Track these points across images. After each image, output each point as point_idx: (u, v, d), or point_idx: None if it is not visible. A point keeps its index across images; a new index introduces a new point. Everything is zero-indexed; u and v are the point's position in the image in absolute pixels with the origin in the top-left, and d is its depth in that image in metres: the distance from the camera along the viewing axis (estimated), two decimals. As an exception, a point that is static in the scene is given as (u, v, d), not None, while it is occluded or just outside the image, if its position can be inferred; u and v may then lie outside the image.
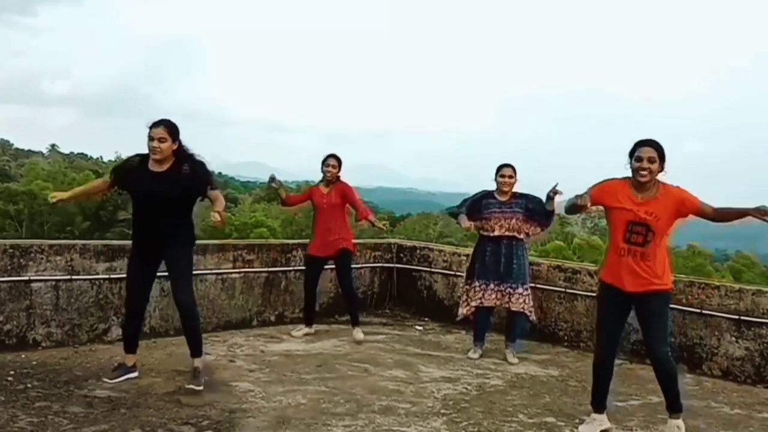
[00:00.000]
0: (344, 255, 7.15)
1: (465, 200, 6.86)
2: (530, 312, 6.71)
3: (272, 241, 9.15)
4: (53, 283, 6.07)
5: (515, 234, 6.58)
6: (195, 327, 5.38)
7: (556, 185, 5.60)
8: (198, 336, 5.41)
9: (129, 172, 5.24)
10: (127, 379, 5.26)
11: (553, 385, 6.04)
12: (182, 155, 5.15)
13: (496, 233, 6.58)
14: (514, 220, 6.57)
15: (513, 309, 6.65)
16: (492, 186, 6.71)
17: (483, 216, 6.62)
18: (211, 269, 7.14)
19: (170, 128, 5.09)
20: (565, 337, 7.54)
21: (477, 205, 6.68)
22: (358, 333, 7.15)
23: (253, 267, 7.51)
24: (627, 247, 4.58)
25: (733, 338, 6.55)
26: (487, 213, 6.61)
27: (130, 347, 5.41)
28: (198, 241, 7.24)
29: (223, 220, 4.82)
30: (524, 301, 6.64)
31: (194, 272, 6.87)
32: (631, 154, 4.60)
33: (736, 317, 6.51)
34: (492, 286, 6.63)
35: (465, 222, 6.51)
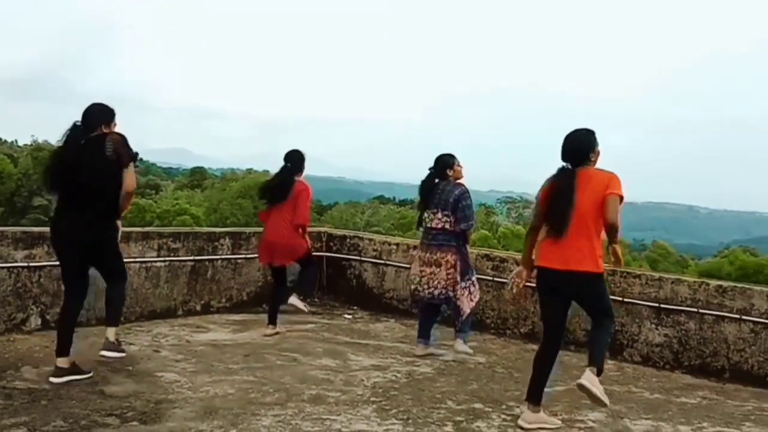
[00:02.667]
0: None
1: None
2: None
3: (199, 229, 8.98)
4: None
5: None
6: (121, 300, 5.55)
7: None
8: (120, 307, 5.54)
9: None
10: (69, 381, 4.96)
11: (480, 371, 6.12)
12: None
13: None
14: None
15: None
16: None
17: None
18: (135, 257, 6.95)
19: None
20: (492, 325, 7.65)
21: None
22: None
23: (178, 255, 7.35)
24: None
25: (653, 325, 6.77)
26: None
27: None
28: (121, 229, 7.08)
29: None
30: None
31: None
32: None
33: (656, 305, 6.73)
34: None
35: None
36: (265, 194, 6.97)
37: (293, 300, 6.86)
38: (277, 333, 6.84)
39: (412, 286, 6.50)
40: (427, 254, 6.36)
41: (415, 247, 7.89)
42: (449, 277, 6.27)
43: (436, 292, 6.30)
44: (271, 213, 6.82)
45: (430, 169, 6.53)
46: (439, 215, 6.30)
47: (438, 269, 6.30)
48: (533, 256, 4.82)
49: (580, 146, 4.67)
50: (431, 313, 6.53)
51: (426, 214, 6.41)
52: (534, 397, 4.74)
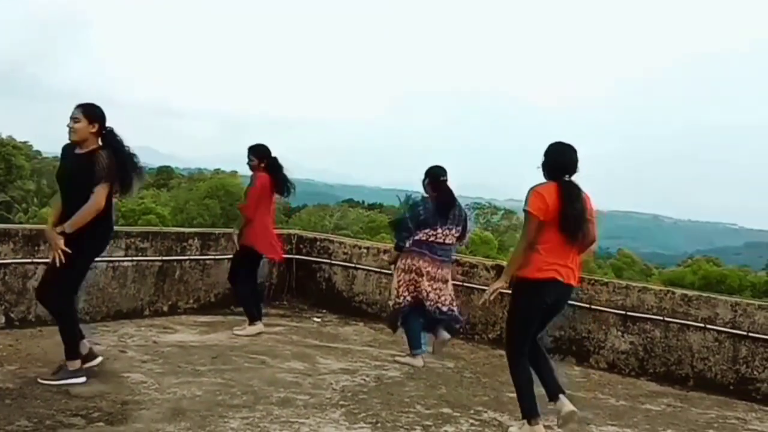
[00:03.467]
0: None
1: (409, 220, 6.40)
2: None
3: (168, 229, 8.89)
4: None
5: None
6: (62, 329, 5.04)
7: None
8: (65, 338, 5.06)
9: (62, 154, 5.14)
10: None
11: (449, 376, 6.14)
12: (109, 141, 4.99)
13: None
14: None
15: None
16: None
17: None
18: (102, 257, 6.83)
19: (86, 109, 4.97)
20: (461, 330, 7.65)
21: None
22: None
23: (146, 255, 7.26)
24: None
25: (619, 332, 6.85)
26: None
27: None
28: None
29: (55, 248, 4.75)
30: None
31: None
32: None
33: (623, 312, 6.81)
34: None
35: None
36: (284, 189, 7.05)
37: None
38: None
39: (423, 299, 6.25)
40: (438, 270, 6.27)
41: (386, 251, 7.90)
42: (452, 292, 6.40)
43: (444, 309, 6.30)
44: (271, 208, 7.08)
45: (443, 178, 6.35)
46: (453, 231, 6.29)
47: (444, 285, 6.32)
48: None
49: (576, 159, 4.64)
50: (420, 320, 6.40)
51: (441, 230, 6.24)
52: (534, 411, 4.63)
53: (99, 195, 4.80)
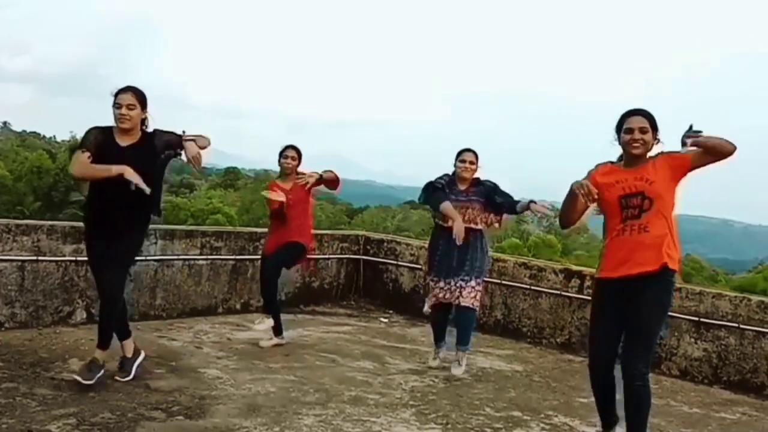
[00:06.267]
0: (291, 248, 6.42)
1: (429, 186, 6.06)
2: (475, 307, 6.05)
3: (241, 228, 9.10)
4: (19, 263, 5.95)
5: (471, 225, 5.90)
6: (110, 321, 4.83)
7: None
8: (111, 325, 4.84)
9: (98, 148, 4.63)
10: (99, 378, 4.70)
11: (517, 380, 6.13)
12: (148, 127, 4.79)
13: (451, 224, 5.82)
14: (470, 210, 5.93)
15: (462, 304, 5.96)
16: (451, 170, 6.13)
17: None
18: (179, 255, 7.07)
19: (138, 95, 4.68)
20: (529, 334, 7.65)
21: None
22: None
23: (220, 254, 7.46)
24: (622, 226, 3.99)
25: (692, 339, 6.73)
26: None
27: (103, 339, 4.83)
28: (166, 227, 7.22)
29: (197, 160, 4.74)
30: (474, 295, 5.97)
31: (161, 258, 6.86)
32: (619, 127, 4.07)
33: (696, 319, 6.68)
34: (442, 284, 6.01)
35: (450, 209, 5.79)
36: None
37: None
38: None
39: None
40: None
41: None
42: None
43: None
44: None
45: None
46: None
47: None
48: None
49: None
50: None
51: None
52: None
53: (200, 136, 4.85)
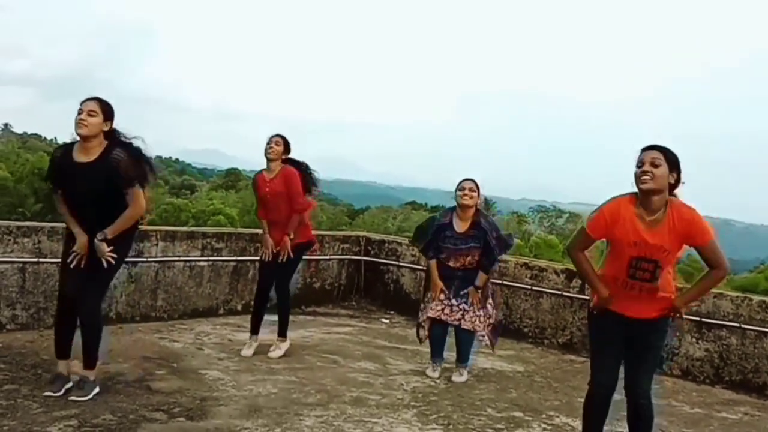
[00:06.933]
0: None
1: (421, 231, 6.09)
2: (481, 337, 5.97)
3: (241, 229, 9.11)
4: (20, 265, 5.96)
5: (473, 266, 5.89)
6: (92, 339, 4.60)
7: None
8: (93, 347, 4.61)
9: (57, 171, 4.57)
10: (66, 390, 4.54)
11: (519, 380, 6.12)
12: (115, 142, 4.55)
13: (451, 265, 5.89)
14: (469, 258, 5.86)
15: (463, 327, 5.89)
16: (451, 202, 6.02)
17: (440, 247, 5.92)
18: (179, 256, 7.07)
19: (103, 104, 4.51)
20: (530, 334, 7.64)
21: (435, 238, 5.94)
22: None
23: (221, 255, 7.46)
24: (631, 282, 3.86)
25: (694, 339, 6.72)
26: (443, 245, 5.89)
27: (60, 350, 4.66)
28: (167, 228, 7.22)
29: (101, 254, 4.42)
30: (478, 321, 5.90)
31: (162, 259, 6.85)
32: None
33: (698, 319, 6.68)
34: (442, 296, 5.89)
35: (434, 275, 5.93)
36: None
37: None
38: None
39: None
40: None
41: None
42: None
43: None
44: None
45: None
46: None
47: None
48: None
49: None
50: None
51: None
52: None
53: (139, 198, 4.49)
